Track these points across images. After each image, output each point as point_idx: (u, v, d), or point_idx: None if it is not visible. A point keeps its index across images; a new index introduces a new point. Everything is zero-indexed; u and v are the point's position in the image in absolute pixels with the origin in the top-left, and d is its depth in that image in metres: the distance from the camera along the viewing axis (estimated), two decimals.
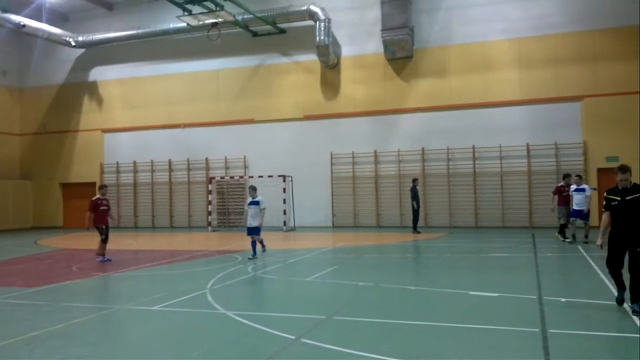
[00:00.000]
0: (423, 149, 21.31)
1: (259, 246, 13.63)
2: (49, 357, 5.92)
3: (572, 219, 14.88)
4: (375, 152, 21.96)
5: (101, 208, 13.59)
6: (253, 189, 13.58)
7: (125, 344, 6.68)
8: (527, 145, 20.05)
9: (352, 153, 22.23)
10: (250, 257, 13.21)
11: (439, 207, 21.13)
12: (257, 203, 13.15)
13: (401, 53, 21.46)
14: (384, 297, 8.74)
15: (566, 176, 15.54)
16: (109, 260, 13.47)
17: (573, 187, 14.93)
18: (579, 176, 15.32)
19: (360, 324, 7.02)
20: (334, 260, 13.56)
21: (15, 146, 27.14)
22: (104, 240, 13.61)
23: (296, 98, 23.08)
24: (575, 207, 14.74)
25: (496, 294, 8.39)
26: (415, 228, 18.91)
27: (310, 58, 22.77)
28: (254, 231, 13.21)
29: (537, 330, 6.32)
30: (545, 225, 19.03)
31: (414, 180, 19.27)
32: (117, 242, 19.27)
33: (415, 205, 18.84)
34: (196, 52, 24.44)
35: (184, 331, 7.08)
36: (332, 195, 22.42)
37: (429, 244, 16.14)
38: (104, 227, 13.61)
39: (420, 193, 19.84)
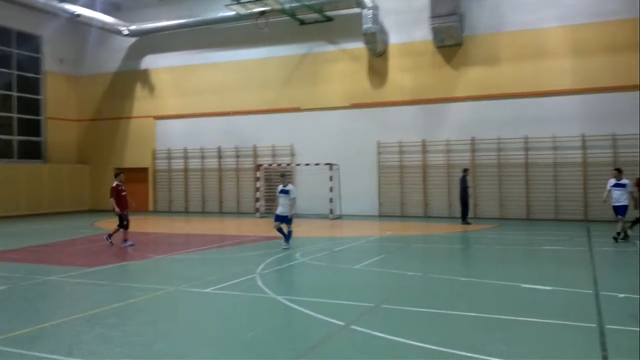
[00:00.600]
0: (473, 139, 20.91)
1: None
2: (109, 334, 6.19)
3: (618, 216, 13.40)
4: (424, 141, 21.71)
5: (122, 194, 13.83)
6: (282, 175, 13.40)
7: (180, 323, 6.90)
8: (582, 135, 19.38)
9: (400, 142, 22.04)
10: (285, 246, 12.73)
11: (489, 198, 20.74)
12: (287, 192, 12.66)
13: (450, 40, 21.06)
14: (433, 287, 8.69)
15: (618, 170, 14.01)
16: (132, 245, 13.64)
17: (612, 182, 13.72)
18: (618, 170, 13.84)
19: (409, 313, 7.01)
20: (381, 249, 13.55)
21: (72, 132, 28.19)
22: (126, 226, 13.79)
23: (343, 86, 23.02)
24: (614, 203, 13.51)
25: (549, 287, 8.21)
26: (465, 219, 18.64)
27: (358, 46, 22.64)
28: (284, 219, 12.76)
29: (594, 325, 6.15)
30: (602, 218, 18.39)
31: (465, 171, 18.97)
32: (169, 226, 19.85)
33: (465, 196, 18.53)
34: (244, 40, 24.68)
35: (235, 313, 7.25)
36: (379, 184, 22.33)
37: (479, 235, 15.90)
38: (125, 212, 13.81)
39: (469, 184, 19.49)
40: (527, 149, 20.13)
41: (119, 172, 14.38)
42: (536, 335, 5.94)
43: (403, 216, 21.73)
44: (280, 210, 12.75)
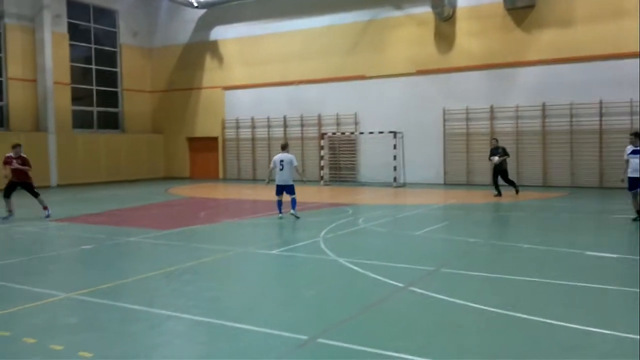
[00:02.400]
0: (544, 105, 20.18)
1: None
2: (183, 289, 6.73)
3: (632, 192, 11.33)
4: (492, 107, 21.16)
5: (12, 167, 13.28)
6: (284, 147, 13.06)
7: (247, 281, 7.36)
8: None
9: (467, 108, 21.60)
10: (296, 217, 12.36)
11: (559, 165, 20.06)
12: (289, 161, 12.50)
13: (522, 2, 20.19)
14: (495, 254, 8.72)
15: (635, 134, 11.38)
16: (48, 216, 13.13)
17: (629, 148, 11.30)
18: (636, 134, 11.22)
19: (469, 277, 7.13)
20: (444, 217, 13.57)
21: (147, 103, 29.48)
22: (36, 196, 13.41)
23: (408, 52, 22.69)
24: (630, 174, 11.18)
25: (615, 255, 8.04)
26: (514, 186, 17.20)
27: (424, 10, 22.14)
28: (286, 188, 12.58)
29: None
30: None
31: (496, 140, 17.61)
32: (238, 192, 20.62)
33: (503, 165, 16.98)
34: (309, 9, 24.72)
35: (299, 273, 7.64)
36: (444, 151, 22.07)
37: (546, 204, 15.52)
38: (18, 185, 13.31)
39: (539, 150, 18.88)
40: (602, 115, 19.22)
41: (16, 144, 13.91)
42: (595, 301, 5.93)
43: (469, 184, 21.44)
44: (283, 178, 12.51)
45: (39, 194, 13.63)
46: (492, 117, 21.18)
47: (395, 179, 21.87)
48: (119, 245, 9.79)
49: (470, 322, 5.40)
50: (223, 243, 9.92)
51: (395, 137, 22.12)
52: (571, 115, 19.75)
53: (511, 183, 17.26)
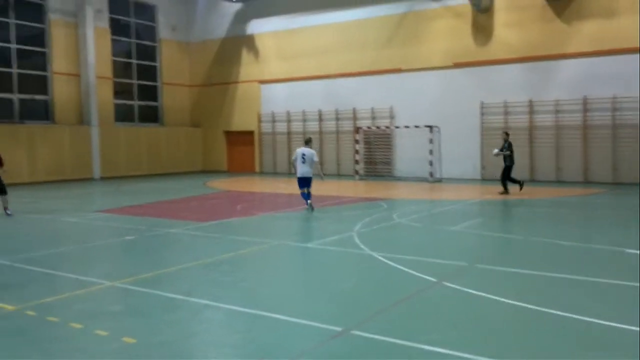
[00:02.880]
0: (585, 98, 19.70)
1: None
2: (221, 279, 6.93)
3: None
4: (530, 101, 20.78)
5: None
6: (307, 142, 13.41)
7: (283, 273, 7.52)
8: None
9: (505, 102, 21.27)
10: (312, 209, 12.75)
11: (600, 160, 19.57)
12: (311, 155, 12.86)
13: None
14: (532, 250, 8.63)
15: None
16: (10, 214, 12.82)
17: None
18: None
19: (504, 273, 7.10)
20: (480, 212, 13.45)
21: (185, 96, 30.04)
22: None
23: (445, 45, 22.44)
24: None
25: None
26: (518, 183, 16.58)
27: (461, 2, 21.85)
28: (308, 181, 12.92)
29: None
30: None
31: (507, 134, 17.12)
32: (273, 185, 20.87)
33: (506, 161, 16.56)
34: (344, 1, 24.68)
35: (333, 266, 7.75)
36: (482, 146, 21.78)
37: (587, 200, 15.21)
38: None
39: (580, 145, 18.40)
40: None
41: None
42: (634, 299, 5.84)
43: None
44: (304, 171, 12.81)
45: (7, 193, 13.09)
46: (531, 111, 20.80)
47: (431, 173, 21.72)
48: (159, 236, 10.09)
49: (503, 317, 5.41)
50: (259, 236, 10.11)
51: (431, 131, 21.95)
52: (613, 109, 19.22)
53: (504, 183, 16.50)
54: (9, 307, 5.73)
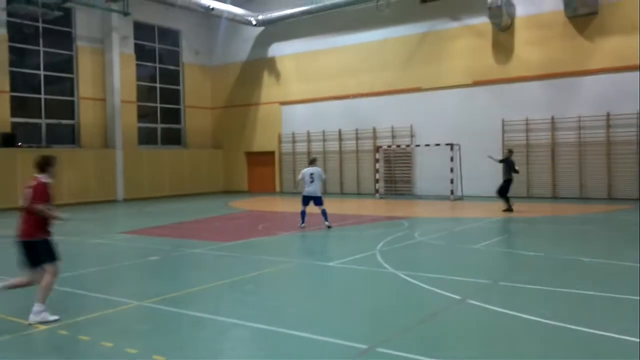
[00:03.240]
0: (608, 115, 19.53)
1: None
2: (245, 299, 7.02)
3: None
4: (552, 118, 20.67)
5: None
6: (312, 161, 14.12)
7: (307, 292, 7.57)
8: None
9: (526, 119, 21.19)
10: (328, 224, 13.17)
11: (626, 177, 19.30)
12: (318, 174, 13.41)
13: (584, 9, 19.70)
14: (555, 267, 8.56)
15: None
16: None
17: None
18: None
19: (528, 290, 7.06)
20: (503, 230, 13.37)
21: (207, 119, 30.52)
22: None
23: (465, 64, 22.52)
24: None
25: None
26: (508, 202, 16.48)
27: (481, 21, 21.96)
28: (314, 199, 13.42)
29: None
30: None
31: (510, 152, 17.13)
32: (294, 206, 20.95)
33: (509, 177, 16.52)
34: (364, 23, 24.98)
35: (357, 285, 7.79)
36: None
37: (612, 217, 15.00)
38: None
39: (604, 162, 18.20)
40: None
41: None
42: None
43: (529, 197, 20.94)
44: (312, 190, 13.25)
45: None
46: (554, 128, 20.68)
47: (452, 191, 21.64)
48: (184, 256, 10.24)
49: (528, 334, 5.39)
50: (282, 255, 10.19)
51: (452, 149, 21.93)
52: (638, 125, 19.00)
53: (504, 197, 16.50)
54: (42, 327, 5.88)
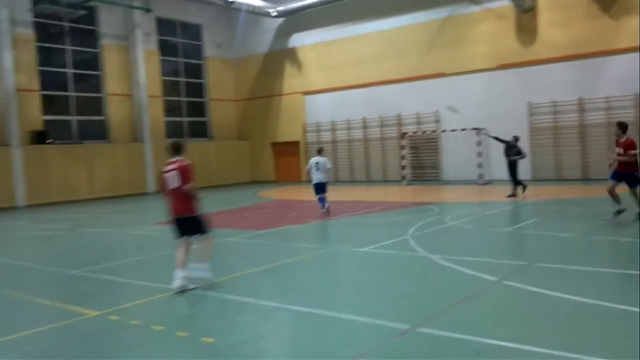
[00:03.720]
0: (636, 94, 19.20)
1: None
2: (283, 283, 7.22)
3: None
4: (580, 99, 20.40)
5: None
6: (319, 150, 14.72)
7: (343, 276, 7.74)
8: None
9: (553, 101, 20.94)
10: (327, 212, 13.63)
11: None
12: (323, 163, 14.01)
13: None
14: (591, 248, 8.57)
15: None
16: None
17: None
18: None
19: (564, 270, 7.11)
20: (534, 213, 13.32)
21: (232, 111, 30.79)
22: None
23: (488, 47, 22.31)
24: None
25: None
26: (517, 187, 16.17)
27: (503, 4, 21.72)
28: (322, 187, 13.95)
29: None
30: None
31: (517, 139, 16.76)
32: None
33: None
34: (384, 10, 24.88)
35: (392, 269, 7.92)
36: (531, 146, 21.45)
37: None
38: None
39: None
40: None
41: None
42: None
43: (558, 179, 20.76)
44: (318, 178, 13.87)
45: None
46: (581, 109, 20.42)
47: (480, 176, 21.56)
48: (219, 245, 10.39)
49: (566, 313, 5.46)
50: (315, 242, 10.38)
51: (478, 133, 21.81)
52: None
53: (517, 182, 16.21)
54: (93, 313, 6.16)
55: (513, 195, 16.09)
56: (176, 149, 6.96)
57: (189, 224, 6.95)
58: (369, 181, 25.80)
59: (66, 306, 6.51)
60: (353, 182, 26.25)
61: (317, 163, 14.02)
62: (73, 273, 8.47)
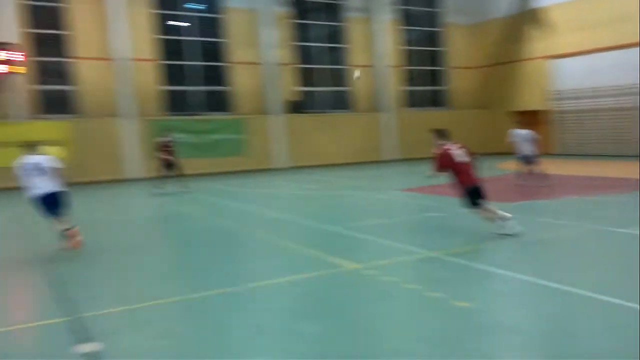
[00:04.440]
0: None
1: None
2: (539, 256, 6.84)
3: None
4: None
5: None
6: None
7: (603, 258, 6.96)
8: None
9: None
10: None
11: None
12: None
13: None
14: None
15: None
16: None
17: None
18: None
19: None
20: None
21: (472, 79, 29.70)
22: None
23: None
24: None
25: None
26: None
27: None
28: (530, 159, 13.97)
29: None
30: None
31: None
32: (574, 167, 19.30)
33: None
34: None
35: None
36: None
37: None
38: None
39: None
40: None
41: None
42: None
43: None
44: (525, 149, 14.24)
45: None
46: None
47: None
48: (466, 214, 10.13)
49: None
50: (571, 219, 9.45)
51: None
52: None
53: None
54: (353, 266, 6.70)
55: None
56: (444, 135, 8.57)
57: (481, 191, 8.15)
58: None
59: (327, 257, 7.18)
60: (619, 157, 23.19)
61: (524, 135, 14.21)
62: (331, 229, 9.29)
